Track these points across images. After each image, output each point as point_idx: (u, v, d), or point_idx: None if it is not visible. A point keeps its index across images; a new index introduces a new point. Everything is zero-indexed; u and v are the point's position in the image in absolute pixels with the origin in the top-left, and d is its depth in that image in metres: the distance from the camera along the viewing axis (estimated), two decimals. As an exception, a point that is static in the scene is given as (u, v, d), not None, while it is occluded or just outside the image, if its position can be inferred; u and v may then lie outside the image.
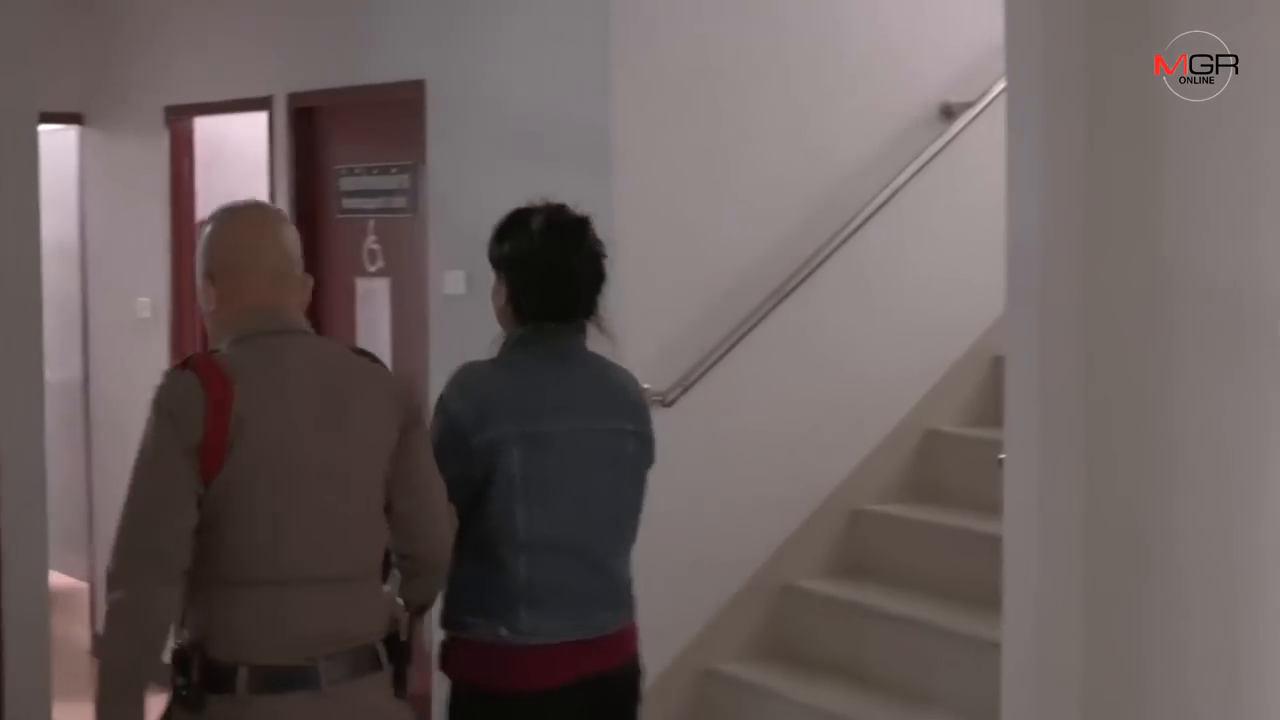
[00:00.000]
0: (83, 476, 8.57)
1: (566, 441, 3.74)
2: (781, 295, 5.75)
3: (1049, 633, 3.97)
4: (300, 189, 7.00)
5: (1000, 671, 4.07)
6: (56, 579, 9.27)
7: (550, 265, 3.80)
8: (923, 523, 5.91)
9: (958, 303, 6.22)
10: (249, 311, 3.35)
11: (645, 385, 5.37)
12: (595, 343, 3.93)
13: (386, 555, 3.45)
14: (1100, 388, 3.90)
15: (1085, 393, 3.91)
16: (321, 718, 3.26)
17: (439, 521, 3.51)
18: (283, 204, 7.03)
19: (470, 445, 3.66)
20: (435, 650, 3.85)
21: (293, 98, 7.01)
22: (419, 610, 3.57)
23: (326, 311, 6.95)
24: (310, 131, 7.03)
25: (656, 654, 5.56)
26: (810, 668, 5.75)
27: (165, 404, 3.23)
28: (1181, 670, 3.81)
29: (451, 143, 6.19)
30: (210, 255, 3.41)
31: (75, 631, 8.69)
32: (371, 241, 6.71)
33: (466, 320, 6.09)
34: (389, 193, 6.61)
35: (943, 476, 6.11)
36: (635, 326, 5.53)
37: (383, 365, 3.52)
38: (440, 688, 3.91)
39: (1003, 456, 4.07)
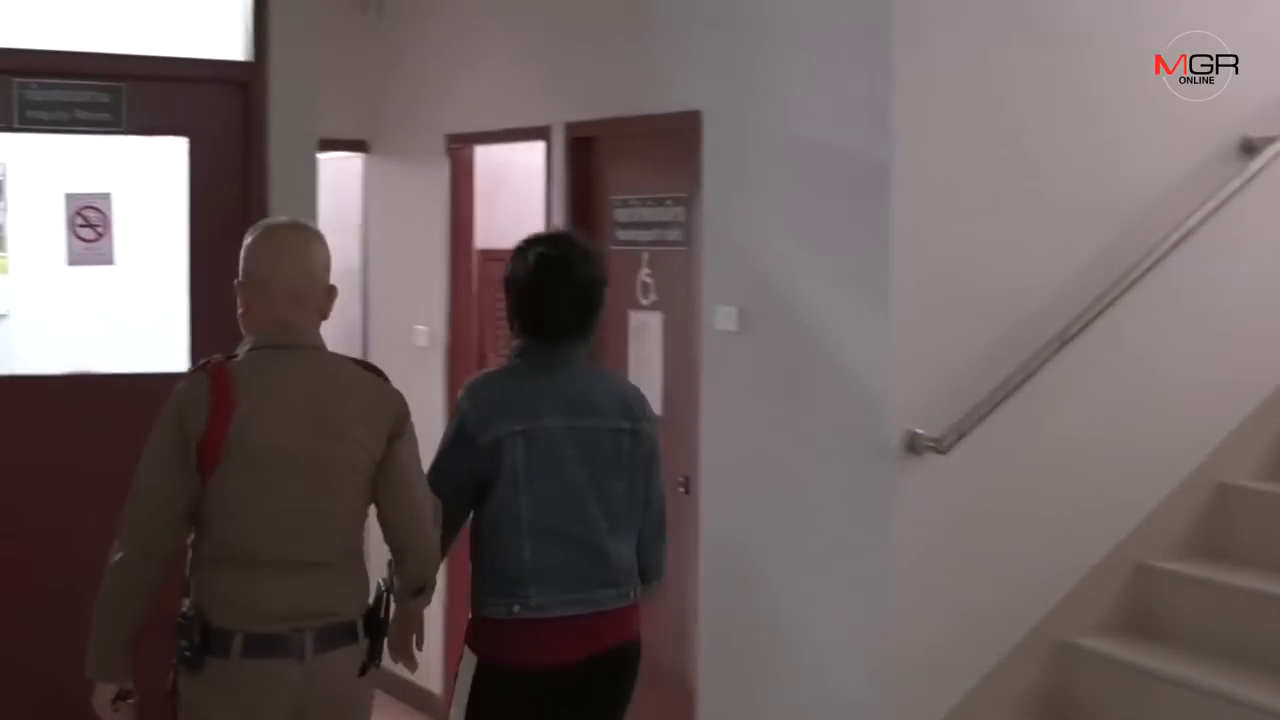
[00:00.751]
0: (359, 502, 8.60)
1: (560, 438, 4.29)
2: (1066, 339, 5.47)
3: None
4: (576, 219, 6.92)
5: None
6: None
7: (537, 292, 4.38)
8: (1214, 582, 5.59)
9: (1256, 348, 5.90)
10: (265, 324, 3.94)
11: (918, 430, 5.26)
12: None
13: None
14: None
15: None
16: (301, 681, 3.83)
17: (422, 518, 4.03)
18: (558, 234, 6.97)
19: (477, 444, 4.26)
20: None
21: (570, 127, 6.94)
22: (416, 592, 4.11)
23: (598, 343, 6.82)
24: (587, 161, 6.95)
25: (924, 709, 5.38)
26: (1088, 731, 5.48)
27: (177, 402, 3.85)
28: None
29: (726, 174, 6.05)
30: (243, 266, 3.99)
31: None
32: (645, 274, 6.60)
33: (738, 356, 5.96)
34: (663, 225, 6.49)
35: (1236, 533, 5.78)
36: (908, 368, 5.35)
37: (382, 381, 4.06)
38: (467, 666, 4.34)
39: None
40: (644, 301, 6.60)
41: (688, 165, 6.22)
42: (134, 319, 6.24)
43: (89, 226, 6.33)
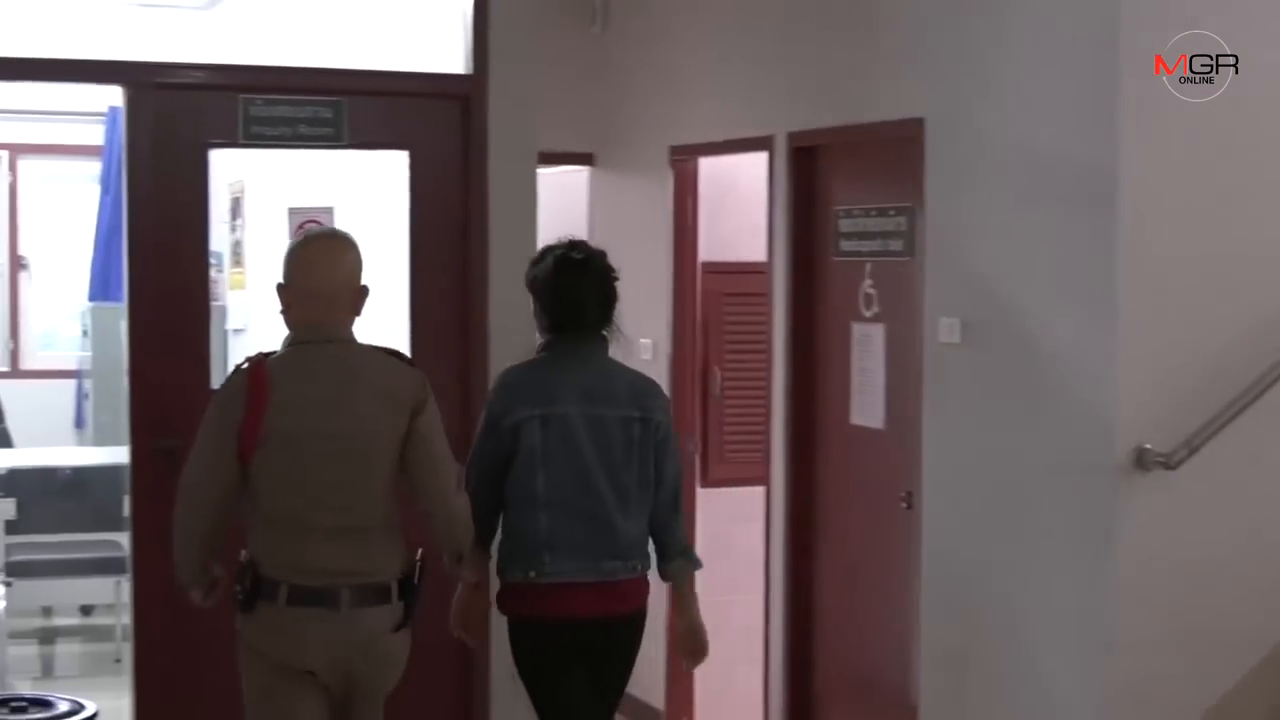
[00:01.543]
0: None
1: (575, 422, 4.82)
2: (1306, 350, 5.25)
3: None
4: (797, 229, 6.83)
5: None
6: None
7: (560, 292, 4.91)
8: None
9: None
10: (301, 323, 4.59)
11: (1146, 445, 5.08)
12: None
13: None
14: None
15: None
16: (336, 631, 4.47)
17: (445, 488, 4.60)
18: (780, 245, 6.89)
19: (502, 426, 4.84)
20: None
21: (792, 137, 6.85)
22: (454, 558, 4.71)
23: (821, 356, 6.77)
24: (809, 171, 6.85)
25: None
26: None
27: (221, 394, 4.60)
28: None
29: (950, 183, 5.91)
30: (284, 271, 4.63)
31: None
32: (868, 285, 6.49)
33: (962, 370, 5.82)
34: (886, 235, 6.36)
35: None
36: (1136, 381, 5.17)
37: (405, 365, 4.69)
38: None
39: None
40: (867, 313, 6.49)
41: (911, 173, 6.09)
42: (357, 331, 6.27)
43: (312, 240, 6.38)
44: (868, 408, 6.47)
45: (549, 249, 5.03)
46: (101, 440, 10.13)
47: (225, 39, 10.81)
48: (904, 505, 6.12)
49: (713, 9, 7.58)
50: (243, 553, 4.56)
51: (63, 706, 5.86)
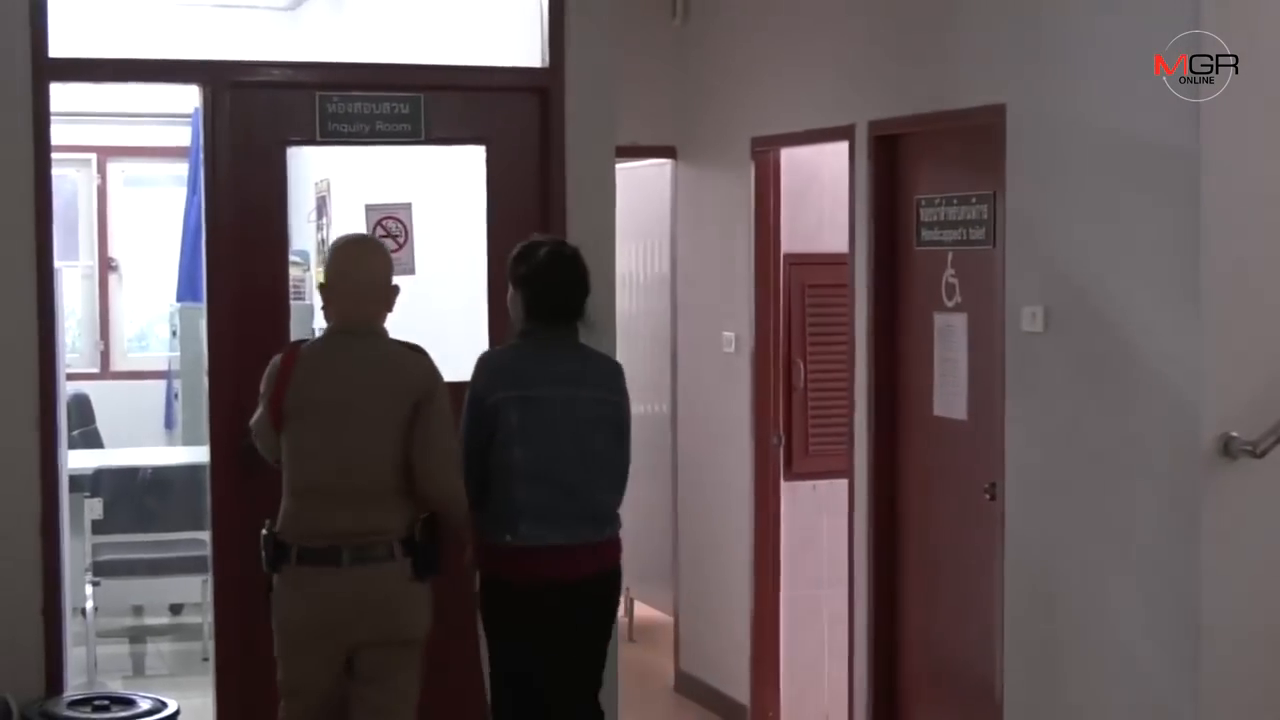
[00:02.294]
0: (669, 511, 8.58)
1: (551, 403, 5.33)
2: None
3: None
4: (879, 219, 6.77)
5: None
6: (643, 611, 9.38)
7: (551, 284, 5.41)
8: None
9: None
10: (335, 317, 5.27)
11: (1233, 433, 4.99)
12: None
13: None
14: None
15: None
16: (341, 585, 5.09)
17: (444, 467, 5.17)
18: (862, 235, 6.83)
19: (485, 405, 5.32)
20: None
21: (873, 125, 6.79)
22: (453, 525, 5.25)
23: (904, 347, 6.71)
24: (890, 160, 6.78)
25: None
26: None
27: (267, 372, 5.24)
28: None
29: (1030, 169, 5.84)
30: (324, 271, 5.34)
31: (660, 663, 8.72)
32: (950, 275, 6.41)
33: (1045, 358, 5.75)
34: (968, 224, 6.29)
35: None
36: (1222, 369, 5.10)
37: (420, 357, 5.23)
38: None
39: None
40: (949, 303, 6.42)
41: (992, 161, 6.02)
42: (434, 327, 6.29)
43: (389, 237, 6.39)
44: (950, 399, 6.40)
45: (536, 244, 5.50)
46: (191, 440, 10.21)
47: (308, 39, 10.90)
48: (987, 496, 6.05)
49: (791, 1, 7.53)
50: (266, 523, 5.22)
51: (144, 705, 5.94)
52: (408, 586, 5.18)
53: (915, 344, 6.64)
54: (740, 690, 7.80)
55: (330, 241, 5.55)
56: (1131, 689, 5.39)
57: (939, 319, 6.48)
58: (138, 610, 9.17)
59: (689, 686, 8.38)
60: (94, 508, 8.26)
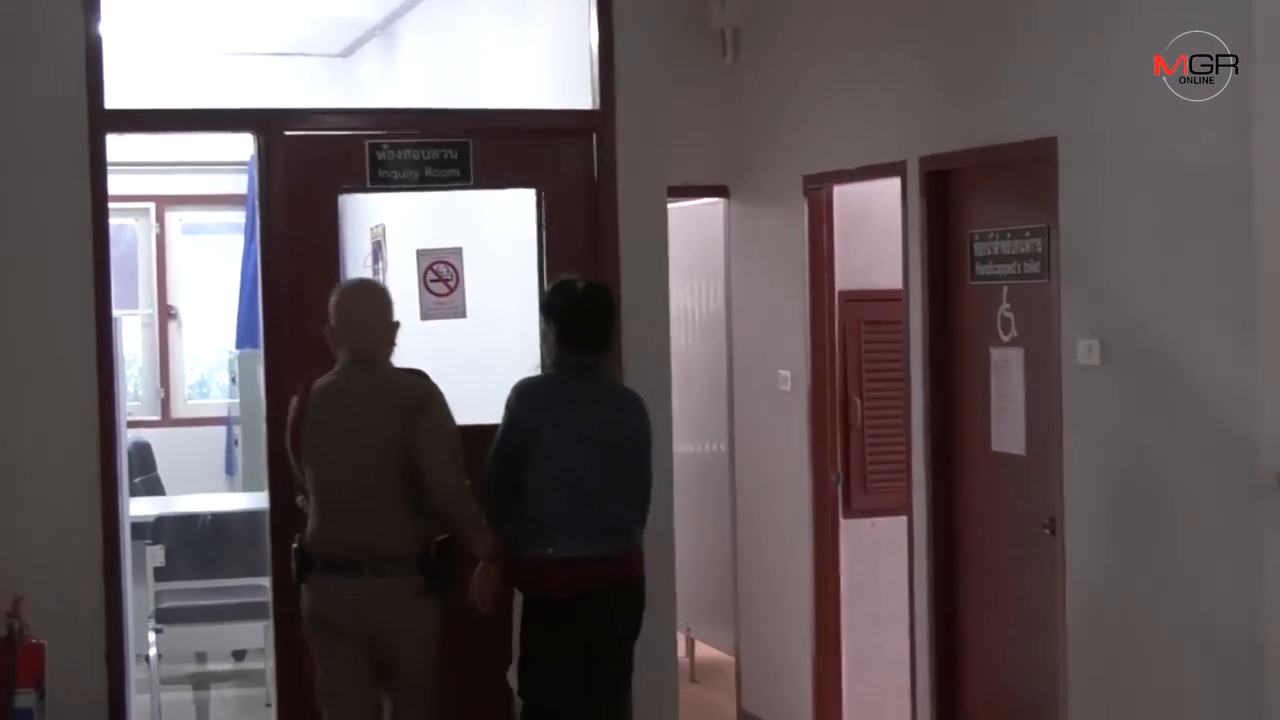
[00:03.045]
0: (729, 550, 8.56)
1: (581, 426, 5.69)
2: None
3: None
4: (932, 254, 6.76)
5: None
6: (704, 651, 9.35)
7: (585, 316, 5.77)
8: None
9: None
10: (343, 352, 5.74)
11: (1292, 463, 4.94)
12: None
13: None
14: None
15: None
16: (357, 595, 5.60)
17: (445, 465, 5.63)
18: (915, 270, 6.82)
19: (522, 429, 5.67)
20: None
21: (924, 161, 6.78)
22: (459, 524, 5.70)
23: (960, 382, 6.68)
24: (942, 195, 6.77)
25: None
26: None
27: (290, 405, 5.79)
28: None
29: (1083, 201, 5.81)
30: (330, 313, 5.75)
31: (722, 703, 8.69)
32: (1005, 309, 6.39)
33: (1101, 391, 5.71)
34: (1022, 257, 6.27)
35: None
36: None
37: (415, 378, 5.74)
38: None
39: None
40: (1004, 337, 6.39)
41: (1044, 194, 6.00)
42: (487, 367, 6.32)
43: (440, 281, 6.42)
44: (1008, 434, 6.37)
45: (568, 281, 5.86)
46: (251, 485, 10.25)
47: (363, 85, 10.97)
48: (1047, 531, 6.01)
49: (841, 37, 7.54)
50: (296, 537, 5.76)
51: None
52: (416, 601, 5.66)
53: (971, 379, 6.61)
54: (802, 728, 7.77)
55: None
56: (1195, 723, 5.35)
57: (995, 353, 6.45)
58: (200, 657, 9.20)
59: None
60: (156, 555, 8.32)
